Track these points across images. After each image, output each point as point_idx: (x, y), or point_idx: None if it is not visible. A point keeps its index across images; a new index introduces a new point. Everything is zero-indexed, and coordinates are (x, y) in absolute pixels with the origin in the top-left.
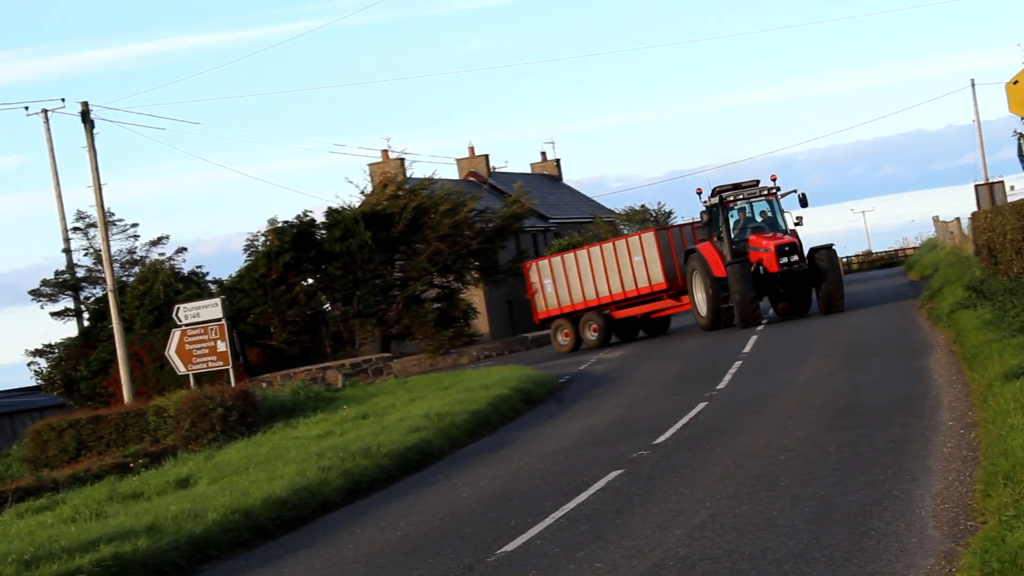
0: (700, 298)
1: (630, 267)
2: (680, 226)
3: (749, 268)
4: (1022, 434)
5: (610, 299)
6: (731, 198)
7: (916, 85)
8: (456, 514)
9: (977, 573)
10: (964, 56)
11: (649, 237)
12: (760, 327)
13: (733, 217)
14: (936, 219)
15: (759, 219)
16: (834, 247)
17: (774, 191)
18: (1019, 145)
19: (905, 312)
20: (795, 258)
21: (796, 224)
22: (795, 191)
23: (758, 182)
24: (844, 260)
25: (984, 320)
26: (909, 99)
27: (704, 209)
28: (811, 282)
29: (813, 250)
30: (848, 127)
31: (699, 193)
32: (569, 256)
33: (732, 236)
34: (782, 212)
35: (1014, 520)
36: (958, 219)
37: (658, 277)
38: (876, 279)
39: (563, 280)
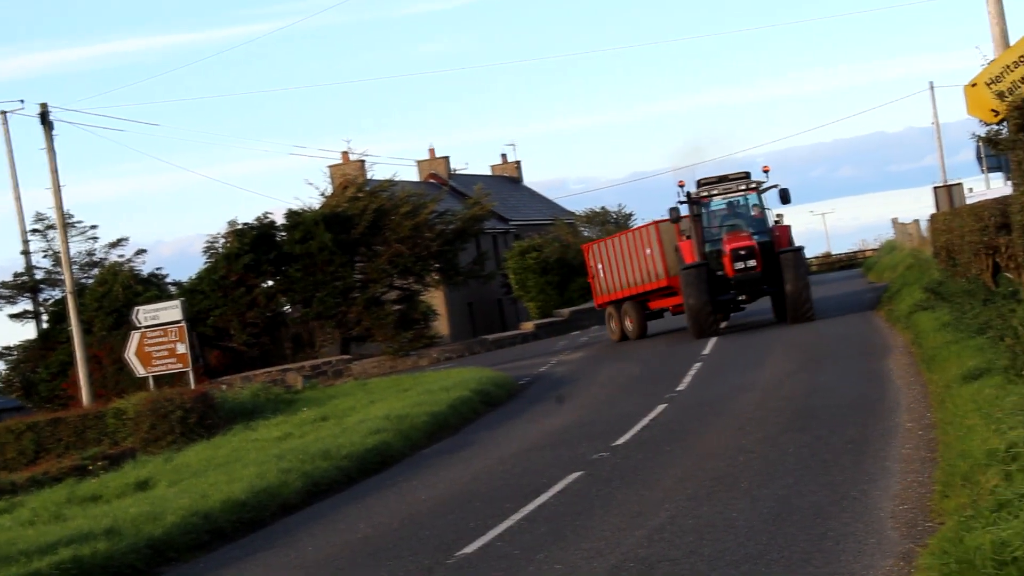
0: None
1: (645, 260)
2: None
3: (705, 272)
4: (980, 435)
5: (638, 290)
6: (704, 193)
7: (876, 87)
8: (416, 516)
9: (935, 574)
10: (923, 59)
11: (652, 230)
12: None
13: (715, 213)
14: (895, 221)
15: (751, 214)
16: (802, 250)
17: (754, 185)
18: (978, 148)
19: (864, 314)
20: (752, 263)
21: (776, 222)
22: (776, 186)
23: (748, 174)
24: None
25: (942, 322)
26: (869, 101)
27: (674, 205)
28: (773, 288)
29: (779, 252)
30: (808, 129)
31: (681, 186)
32: (610, 242)
33: (703, 235)
34: (761, 208)
35: (972, 521)
36: (917, 221)
37: (660, 272)
38: (835, 281)
39: (609, 266)
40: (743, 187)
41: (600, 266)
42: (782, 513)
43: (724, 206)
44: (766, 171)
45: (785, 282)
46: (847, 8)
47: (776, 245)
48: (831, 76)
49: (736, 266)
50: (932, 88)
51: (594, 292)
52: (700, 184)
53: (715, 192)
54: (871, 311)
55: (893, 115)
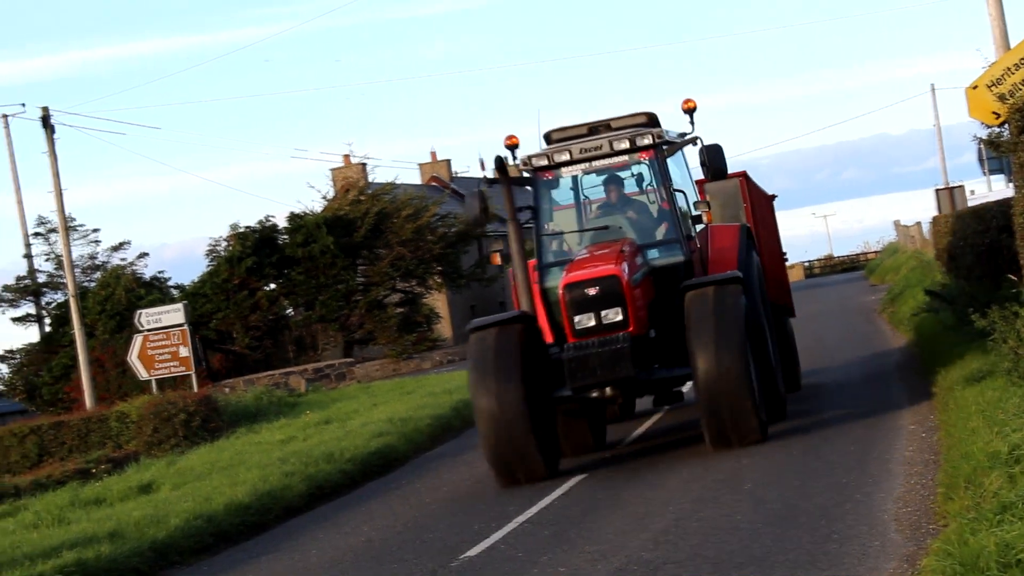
0: None
1: None
2: None
3: (518, 336)
4: (983, 437)
5: None
6: (545, 162)
7: (880, 89)
8: (419, 519)
9: None
10: (926, 60)
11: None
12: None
13: (580, 203)
14: (897, 223)
15: (651, 204)
16: (741, 280)
17: (648, 140)
18: (979, 150)
19: (866, 316)
20: (610, 316)
21: (696, 222)
22: (696, 139)
23: (650, 118)
24: (805, 264)
25: (945, 324)
26: (873, 103)
27: (476, 188)
28: (682, 371)
29: (686, 289)
30: (812, 131)
31: (511, 147)
32: None
33: (541, 254)
34: (668, 189)
35: (975, 523)
36: (919, 223)
37: None
38: (837, 283)
39: None
40: (626, 145)
41: None
42: (787, 515)
43: (620, 187)
44: (689, 109)
45: (694, 356)
46: (850, 10)
47: (701, 268)
48: (836, 78)
49: (575, 323)
50: (933, 90)
51: None
52: (549, 140)
53: (568, 158)
54: (873, 313)
55: (897, 117)
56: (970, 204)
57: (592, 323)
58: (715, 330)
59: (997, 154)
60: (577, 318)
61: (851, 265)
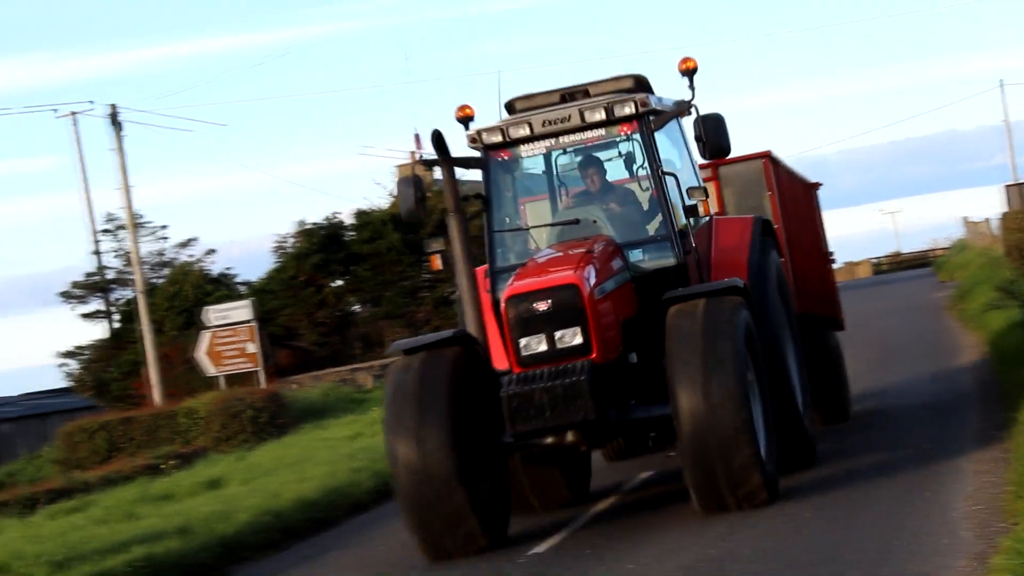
0: None
1: None
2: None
3: (451, 364)
4: None
5: None
6: (497, 138)
7: (949, 85)
8: None
9: (1009, 575)
10: (996, 55)
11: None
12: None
13: (553, 191)
14: (966, 220)
15: (639, 193)
16: (736, 289)
17: (630, 110)
18: None
19: (935, 313)
20: (568, 337)
21: (691, 213)
22: (692, 106)
23: (638, 81)
24: (873, 261)
25: (1015, 321)
26: (942, 99)
27: (408, 175)
28: (660, 411)
29: (668, 302)
30: (880, 127)
31: (464, 119)
32: None
33: (494, 255)
34: (657, 172)
35: None
36: (988, 219)
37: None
38: (904, 280)
39: None
40: (601, 116)
41: None
42: (854, 512)
43: (569, 170)
44: (688, 70)
45: (674, 392)
46: (919, 5)
47: (698, 273)
48: (903, 73)
49: (520, 347)
50: (1002, 86)
51: None
52: (512, 110)
53: (528, 133)
54: (942, 310)
55: (965, 113)
56: None
57: (543, 347)
58: (703, 357)
59: None
60: (523, 341)
61: (920, 262)
